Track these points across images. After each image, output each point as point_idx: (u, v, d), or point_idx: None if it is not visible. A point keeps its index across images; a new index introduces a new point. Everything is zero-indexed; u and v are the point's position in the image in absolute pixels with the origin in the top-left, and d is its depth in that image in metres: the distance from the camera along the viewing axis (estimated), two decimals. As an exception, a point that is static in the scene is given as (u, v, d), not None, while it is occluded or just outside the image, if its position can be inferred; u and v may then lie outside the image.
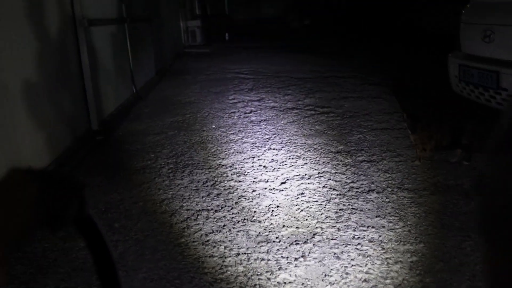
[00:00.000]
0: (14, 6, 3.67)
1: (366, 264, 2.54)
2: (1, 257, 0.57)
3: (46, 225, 0.63)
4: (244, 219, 3.10)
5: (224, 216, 3.15)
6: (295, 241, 2.82)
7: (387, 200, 3.32)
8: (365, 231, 2.90)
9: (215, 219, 3.11)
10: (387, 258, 2.59)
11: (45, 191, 0.62)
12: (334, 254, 2.65)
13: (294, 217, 3.11)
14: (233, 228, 2.99)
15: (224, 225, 3.02)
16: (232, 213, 3.19)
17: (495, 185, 0.52)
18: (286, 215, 3.15)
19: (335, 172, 3.87)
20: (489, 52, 4.70)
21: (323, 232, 2.90)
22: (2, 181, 0.62)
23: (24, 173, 0.63)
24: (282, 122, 5.42)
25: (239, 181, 3.75)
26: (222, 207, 3.28)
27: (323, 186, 3.59)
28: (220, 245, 2.80)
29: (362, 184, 3.62)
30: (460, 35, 5.26)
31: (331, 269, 2.50)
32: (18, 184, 0.62)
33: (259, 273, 2.49)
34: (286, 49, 13.66)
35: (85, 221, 0.69)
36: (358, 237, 2.83)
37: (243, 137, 4.91)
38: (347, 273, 2.46)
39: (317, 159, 4.20)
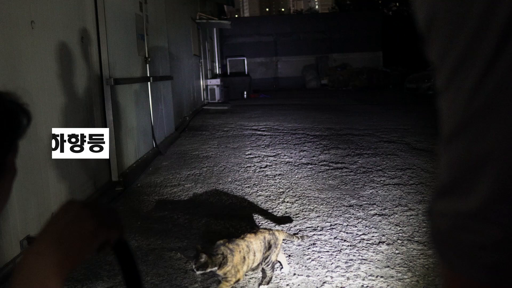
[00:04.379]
0: (50, 67, 3.95)
1: (374, 312, 2.60)
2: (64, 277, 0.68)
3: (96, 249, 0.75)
4: (256, 267, 3.20)
5: (237, 264, 3.24)
6: (305, 288, 2.90)
7: (396, 251, 3.39)
8: (374, 280, 2.97)
9: (228, 267, 3.20)
10: (395, 306, 2.65)
11: (98, 221, 0.72)
12: (343, 301, 2.72)
13: (305, 266, 3.20)
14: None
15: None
16: (245, 261, 3.28)
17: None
18: (297, 263, 3.23)
19: (347, 225, 3.96)
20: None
21: (332, 281, 2.98)
22: (59, 214, 0.71)
23: (80, 206, 0.72)
24: (296, 176, 5.56)
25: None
26: (235, 256, 3.38)
27: (335, 238, 3.68)
28: (232, 291, 2.88)
29: (373, 236, 3.70)
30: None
31: (339, 316, 2.56)
32: (75, 216, 0.71)
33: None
34: (303, 107, 13.97)
35: (121, 245, 0.81)
36: (367, 286, 2.90)
37: (257, 190, 5.04)
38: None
39: (330, 212, 4.30)
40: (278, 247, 2.98)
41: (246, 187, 5.18)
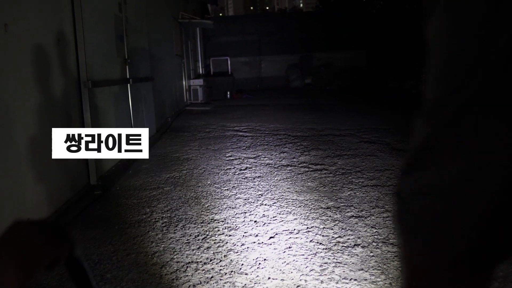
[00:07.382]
0: (25, 70, 3.92)
1: (346, 315, 2.62)
2: None
3: (44, 267, 0.76)
4: (232, 271, 3.21)
5: (212, 268, 3.26)
6: (279, 293, 2.92)
7: (371, 254, 3.42)
8: (347, 283, 3.00)
9: (203, 271, 3.22)
10: (367, 309, 2.68)
11: (45, 239, 0.72)
12: (316, 305, 2.74)
13: (280, 269, 3.22)
14: (220, 279, 3.09)
15: (212, 277, 3.13)
16: (220, 266, 3.30)
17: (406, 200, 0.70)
18: (272, 267, 3.25)
19: (323, 227, 3.99)
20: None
21: (306, 284, 3.00)
22: (6, 234, 0.71)
23: (26, 226, 0.73)
24: (275, 178, 5.58)
25: (230, 235, 3.87)
26: (211, 260, 3.39)
27: (310, 241, 3.70)
28: (207, 296, 2.89)
29: (348, 238, 3.73)
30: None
31: (312, 320, 2.59)
32: (22, 235, 0.71)
33: (242, 323, 2.57)
34: (286, 108, 14.00)
35: (74, 262, 0.83)
36: (340, 290, 2.93)
37: (236, 193, 5.05)
38: (326, 324, 2.54)
39: (307, 214, 4.32)
40: None
41: (225, 189, 5.19)
